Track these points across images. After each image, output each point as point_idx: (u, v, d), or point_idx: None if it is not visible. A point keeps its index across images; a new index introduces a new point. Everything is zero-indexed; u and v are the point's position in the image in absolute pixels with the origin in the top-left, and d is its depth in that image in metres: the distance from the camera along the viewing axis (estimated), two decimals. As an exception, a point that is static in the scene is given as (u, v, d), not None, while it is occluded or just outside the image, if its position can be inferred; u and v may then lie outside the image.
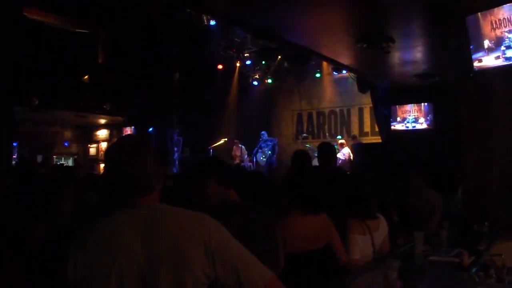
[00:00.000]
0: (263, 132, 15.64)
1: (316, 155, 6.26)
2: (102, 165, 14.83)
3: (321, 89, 17.36)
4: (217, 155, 13.40)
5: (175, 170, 13.17)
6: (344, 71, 14.17)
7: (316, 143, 10.95)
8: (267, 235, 2.66)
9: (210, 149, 14.63)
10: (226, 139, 15.29)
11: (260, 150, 15.17)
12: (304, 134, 17.39)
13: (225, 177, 2.80)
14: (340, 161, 12.99)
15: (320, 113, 17.64)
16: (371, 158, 12.23)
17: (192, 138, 14.91)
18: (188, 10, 10.74)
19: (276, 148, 15.38)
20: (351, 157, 13.44)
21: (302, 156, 5.01)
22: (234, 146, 15.68)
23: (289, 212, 3.20)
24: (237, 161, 15.08)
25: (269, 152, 14.97)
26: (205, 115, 16.54)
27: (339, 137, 15.80)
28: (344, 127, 16.93)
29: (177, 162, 13.58)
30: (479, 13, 5.45)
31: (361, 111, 16.47)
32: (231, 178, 2.85)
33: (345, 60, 10.77)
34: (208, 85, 16.47)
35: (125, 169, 1.77)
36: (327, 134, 17.33)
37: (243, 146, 15.69)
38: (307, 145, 15.82)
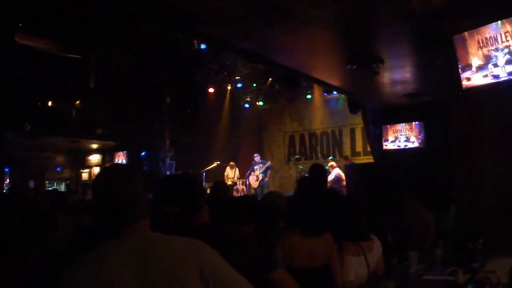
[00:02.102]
0: (255, 154, 15.62)
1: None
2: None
3: (312, 110, 17.43)
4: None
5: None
6: (335, 92, 14.25)
7: (309, 164, 10.97)
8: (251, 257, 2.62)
9: (202, 173, 14.58)
10: (218, 162, 15.26)
11: (252, 173, 15.12)
12: (297, 156, 17.38)
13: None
14: (330, 182, 12.97)
15: (312, 134, 17.69)
16: (363, 178, 12.19)
17: (185, 161, 14.87)
18: (178, 34, 10.80)
19: (269, 171, 15.34)
20: (343, 178, 13.40)
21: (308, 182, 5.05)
22: (228, 167, 15.65)
23: (288, 233, 3.24)
24: (229, 182, 15.05)
25: (262, 174, 14.92)
26: (197, 138, 16.58)
27: (330, 158, 15.82)
28: (336, 147, 16.97)
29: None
30: (465, 32, 5.53)
31: (352, 131, 16.51)
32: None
33: (335, 81, 10.82)
34: (199, 109, 16.56)
35: (114, 196, 1.75)
36: (319, 155, 17.34)
37: (237, 169, 15.66)
38: (300, 167, 15.83)
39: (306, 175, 8.06)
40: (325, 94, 15.94)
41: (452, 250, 4.13)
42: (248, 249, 2.48)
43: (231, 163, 15.77)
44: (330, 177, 13.24)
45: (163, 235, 1.80)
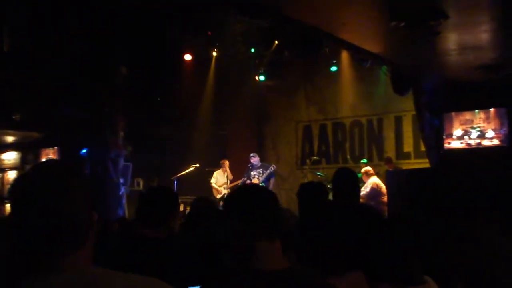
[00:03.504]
0: (252, 154, 15.56)
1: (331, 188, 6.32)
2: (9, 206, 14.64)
3: (338, 89, 17.32)
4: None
5: (121, 212, 13.07)
6: (372, 63, 14.20)
7: (333, 170, 10.90)
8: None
9: (173, 180, 14.56)
10: (197, 165, 15.23)
11: (248, 181, 15.03)
12: (314, 157, 17.27)
13: None
14: (364, 196, 12.97)
15: (337, 125, 17.72)
16: (414, 191, 12.13)
17: (147, 164, 14.82)
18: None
19: (272, 179, 15.29)
20: (383, 191, 13.37)
21: (313, 192, 5.14)
22: (217, 172, 15.62)
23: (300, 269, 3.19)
24: (224, 192, 15.09)
25: (262, 184, 14.83)
26: (166, 130, 16.50)
27: (363, 161, 15.77)
28: (374, 145, 16.99)
29: (124, 200, 13.46)
30: None
31: (399, 121, 16.51)
32: None
33: (374, 46, 10.87)
34: (170, 86, 16.47)
35: (38, 215, 1.72)
36: (348, 156, 17.36)
37: (228, 171, 15.63)
38: (318, 173, 15.75)
39: (329, 186, 8.07)
40: (358, 65, 15.83)
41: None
42: None
43: (224, 161, 15.79)
44: (365, 190, 13.19)
45: (111, 271, 1.80)
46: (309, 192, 5.25)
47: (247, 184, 3.80)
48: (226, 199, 3.41)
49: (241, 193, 3.08)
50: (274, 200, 3.00)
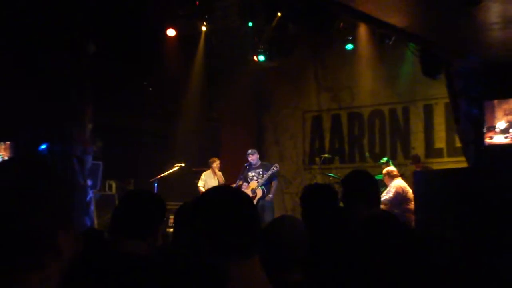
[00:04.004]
0: (250, 151, 15.47)
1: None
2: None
3: (355, 71, 17.46)
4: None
5: (88, 222, 12.95)
6: (396, 40, 14.11)
7: (347, 171, 10.78)
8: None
9: (153, 183, 14.55)
10: (182, 165, 15.22)
11: (245, 184, 14.99)
12: (326, 155, 17.30)
13: None
14: (387, 203, 12.97)
15: (354, 116, 17.81)
16: (448, 197, 12.06)
17: (120, 163, 14.86)
18: None
19: (275, 181, 15.20)
20: (409, 196, 13.30)
21: (320, 196, 5.15)
22: (206, 172, 15.54)
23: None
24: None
25: (262, 187, 14.79)
26: (145, 121, 16.47)
27: (385, 160, 15.68)
28: (399, 140, 17.07)
29: (92, 207, 13.37)
30: None
31: (428, 111, 16.60)
32: None
33: (399, 19, 10.83)
34: (149, 68, 16.42)
35: None
36: (366, 154, 17.43)
37: (218, 172, 15.58)
38: (330, 175, 15.83)
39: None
40: (379, 42, 15.73)
41: None
42: None
43: (214, 160, 15.73)
44: (387, 195, 13.17)
45: None
46: (315, 196, 5.22)
47: (220, 186, 3.80)
48: (188, 208, 3.30)
49: (206, 199, 3.02)
50: (250, 206, 2.98)
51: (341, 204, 5.62)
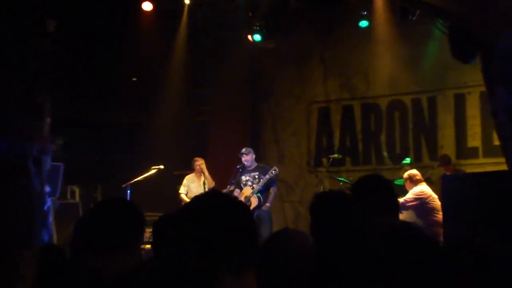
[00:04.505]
0: (244, 151, 15.41)
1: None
2: None
3: (371, 55, 17.46)
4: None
5: (46, 236, 12.88)
6: (421, 15, 14.06)
7: (361, 174, 10.68)
8: None
9: (126, 189, 14.45)
10: (161, 167, 15.12)
11: (237, 190, 14.93)
12: (335, 155, 17.22)
13: None
14: (405, 214, 12.93)
15: (369, 107, 17.74)
16: (485, 206, 12.01)
17: (86, 165, 14.78)
18: None
19: (274, 187, 15.15)
20: (435, 206, 13.23)
21: (334, 206, 5.11)
22: (189, 176, 15.50)
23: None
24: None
25: (257, 194, 14.73)
26: (115, 115, 16.42)
27: (406, 160, 15.71)
28: (423, 137, 16.97)
29: (50, 218, 13.33)
30: None
31: (460, 101, 16.50)
32: None
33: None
34: (121, 49, 16.39)
35: None
36: (384, 153, 17.36)
37: (205, 176, 15.52)
38: (340, 179, 15.89)
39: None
40: (400, 18, 15.69)
41: None
42: None
43: (198, 161, 15.68)
44: (408, 203, 13.05)
45: None
46: (328, 206, 5.13)
47: (210, 193, 3.78)
48: (170, 220, 3.22)
49: (194, 207, 3.06)
50: (247, 215, 3.09)
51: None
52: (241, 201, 3.42)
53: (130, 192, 14.53)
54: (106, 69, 16.50)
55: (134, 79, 16.85)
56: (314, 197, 5.36)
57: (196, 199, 3.13)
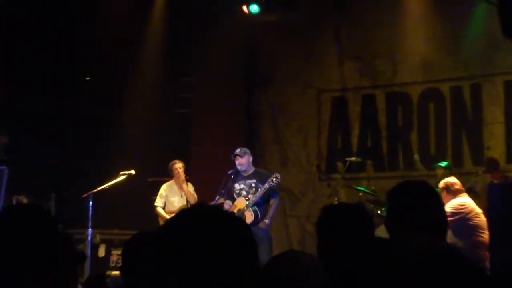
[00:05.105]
0: (238, 152, 15.33)
1: (384, 215, 6.14)
2: None
3: (398, 32, 17.45)
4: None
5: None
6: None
7: (386, 182, 10.48)
8: None
9: (87, 200, 14.35)
10: (132, 173, 15.08)
11: (228, 203, 14.85)
12: (353, 158, 17.25)
13: None
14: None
15: (396, 98, 17.73)
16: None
17: (37, 169, 14.76)
18: None
19: (275, 198, 15.06)
20: (478, 222, 13.12)
21: (349, 222, 5.20)
22: (167, 184, 15.45)
23: None
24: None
25: (253, 208, 14.63)
26: (75, 107, 16.39)
27: (442, 164, 15.60)
28: (465, 135, 16.91)
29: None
30: None
31: (509, 90, 16.35)
32: None
33: None
34: (82, 25, 16.37)
35: None
36: (416, 156, 17.23)
37: (190, 185, 15.47)
38: (360, 188, 15.88)
39: (379, 212, 7.96)
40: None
41: None
42: None
43: (176, 164, 15.61)
44: (450, 216, 12.95)
45: None
46: (340, 222, 5.21)
47: (198, 204, 3.86)
48: (145, 239, 3.10)
49: (179, 222, 3.08)
50: (245, 233, 3.10)
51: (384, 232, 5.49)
52: (236, 216, 3.33)
53: (92, 204, 14.43)
54: (65, 51, 16.43)
55: (88, 78, 16.75)
56: (322, 211, 5.36)
57: (181, 212, 3.11)
